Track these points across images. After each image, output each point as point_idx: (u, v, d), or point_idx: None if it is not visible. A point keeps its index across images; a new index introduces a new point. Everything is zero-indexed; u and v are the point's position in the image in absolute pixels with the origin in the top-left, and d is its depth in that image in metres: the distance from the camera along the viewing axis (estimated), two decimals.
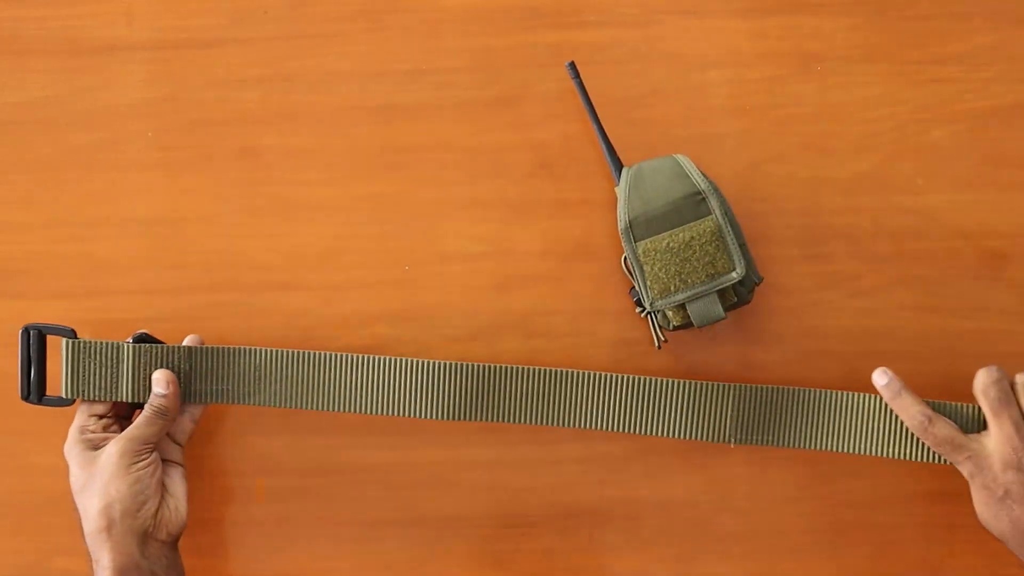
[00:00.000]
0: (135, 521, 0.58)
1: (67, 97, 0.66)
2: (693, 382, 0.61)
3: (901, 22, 0.65)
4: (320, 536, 0.65)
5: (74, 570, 0.65)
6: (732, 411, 0.61)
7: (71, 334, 0.62)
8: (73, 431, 0.61)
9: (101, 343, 0.61)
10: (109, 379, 0.61)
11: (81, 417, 0.62)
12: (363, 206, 0.65)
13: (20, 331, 0.62)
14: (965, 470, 0.58)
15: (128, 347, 0.61)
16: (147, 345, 0.61)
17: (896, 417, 0.60)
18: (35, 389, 0.62)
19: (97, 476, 0.58)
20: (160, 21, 0.66)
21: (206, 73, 0.65)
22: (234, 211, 0.65)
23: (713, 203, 0.58)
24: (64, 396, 0.62)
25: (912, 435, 0.60)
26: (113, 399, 0.62)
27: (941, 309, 0.64)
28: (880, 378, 0.60)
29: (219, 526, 0.65)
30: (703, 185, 0.58)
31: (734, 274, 0.58)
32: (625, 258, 0.60)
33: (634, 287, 0.60)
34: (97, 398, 0.62)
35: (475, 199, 0.65)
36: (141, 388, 0.61)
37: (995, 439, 0.57)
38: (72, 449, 0.60)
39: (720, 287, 0.58)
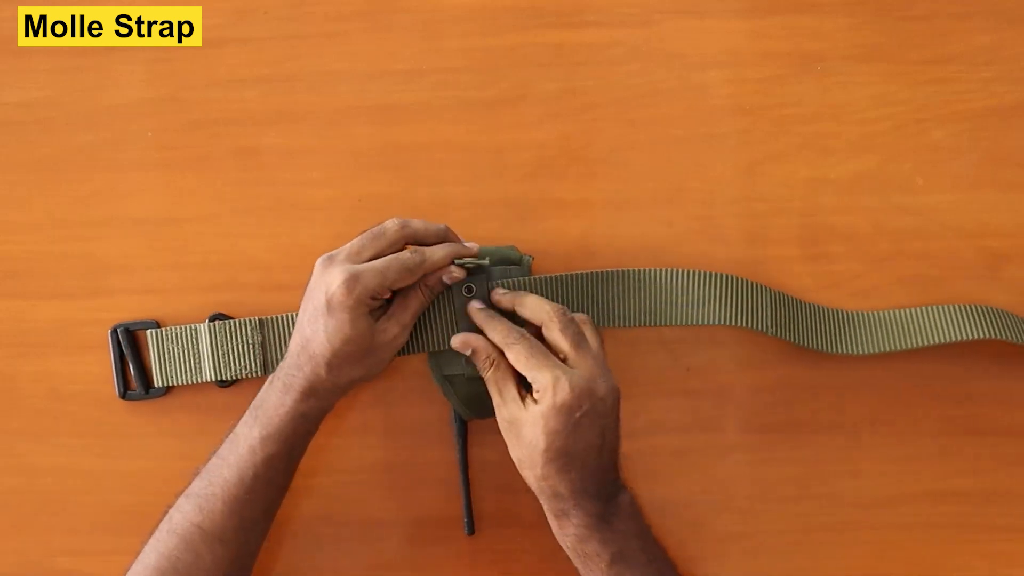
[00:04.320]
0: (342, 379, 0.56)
1: (67, 97, 0.66)
2: (731, 276, 0.62)
3: (901, 22, 0.65)
4: (320, 536, 0.65)
5: (74, 570, 0.65)
6: (769, 305, 0.62)
7: (155, 326, 0.64)
8: (361, 292, 0.55)
9: (180, 327, 0.64)
10: (192, 361, 0.64)
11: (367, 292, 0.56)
12: (363, 206, 0.65)
13: (108, 332, 0.64)
14: (546, 378, 0.54)
15: (204, 327, 0.63)
16: (220, 322, 0.63)
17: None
18: (139, 383, 0.65)
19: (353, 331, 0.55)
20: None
21: (206, 73, 0.65)
22: (234, 211, 0.65)
23: None
24: (157, 385, 0.64)
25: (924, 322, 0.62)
26: (197, 380, 0.64)
27: None
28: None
29: None
30: None
31: None
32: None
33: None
34: (183, 381, 0.64)
35: (475, 199, 0.65)
36: (220, 365, 0.63)
37: (584, 367, 0.56)
38: (355, 305, 0.55)
39: None
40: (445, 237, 0.59)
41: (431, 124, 0.65)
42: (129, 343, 0.65)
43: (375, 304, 0.57)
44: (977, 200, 0.64)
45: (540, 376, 0.55)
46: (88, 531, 0.65)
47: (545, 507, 0.57)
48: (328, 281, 0.55)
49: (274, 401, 0.56)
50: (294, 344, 0.57)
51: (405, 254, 0.57)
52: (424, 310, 0.60)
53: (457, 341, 0.59)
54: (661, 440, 0.64)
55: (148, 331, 0.64)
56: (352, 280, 0.55)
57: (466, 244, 0.60)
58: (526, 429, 0.55)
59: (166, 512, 0.56)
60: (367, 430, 0.65)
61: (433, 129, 0.65)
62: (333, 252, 0.57)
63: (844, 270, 0.64)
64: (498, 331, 0.58)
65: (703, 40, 0.65)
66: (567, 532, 0.57)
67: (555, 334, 0.57)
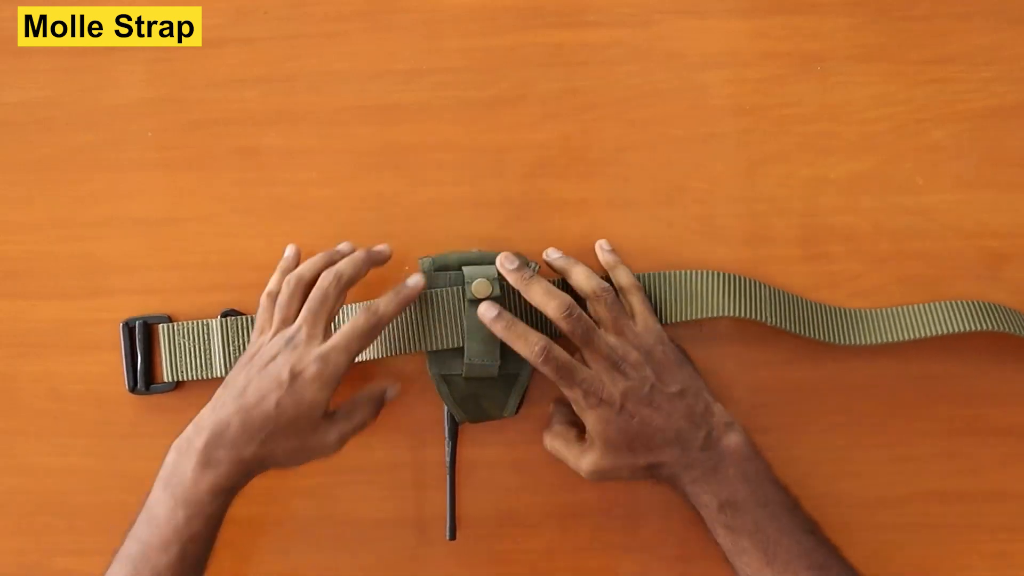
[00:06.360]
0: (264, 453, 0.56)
1: (67, 97, 0.66)
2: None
3: (901, 22, 0.65)
4: (320, 536, 0.65)
5: (74, 570, 0.65)
6: (770, 299, 0.62)
7: (167, 320, 0.64)
8: (331, 372, 0.56)
9: (192, 323, 0.64)
10: (203, 356, 0.64)
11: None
12: (363, 206, 0.65)
13: (120, 325, 0.64)
14: (578, 394, 0.57)
15: (216, 323, 0.63)
16: (233, 317, 0.63)
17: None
18: (142, 379, 0.64)
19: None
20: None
21: (206, 73, 0.65)
22: (234, 211, 0.65)
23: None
24: (167, 380, 0.64)
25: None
26: (207, 375, 0.64)
27: None
28: (488, 310, 0.59)
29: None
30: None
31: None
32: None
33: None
34: (194, 376, 0.64)
35: (475, 199, 0.65)
36: (232, 360, 0.63)
37: (593, 361, 0.57)
38: (322, 387, 0.56)
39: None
40: (372, 260, 0.61)
41: (431, 124, 0.65)
42: (143, 337, 0.64)
43: (333, 390, 0.57)
44: (977, 200, 0.64)
45: (570, 392, 0.58)
46: (88, 531, 0.65)
47: (666, 484, 0.59)
48: (294, 361, 0.56)
49: (191, 478, 0.54)
50: (222, 415, 0.55)
51: (360, 319, 0.57)
52: (367, 426, 0.60)
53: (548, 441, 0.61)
54: None
55: (160, 325, 0.64)
56: (323, 362, 0.56)
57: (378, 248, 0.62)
58: (590, 456, 0.58)
59: None
60: (367, 430, 0.65)
61: (433, 129, 0.65)
62: (287, 332, 0.58)
63: (844, 270, 0.64)
64: (520, 346, 0.58)
65: (703, 40, 0.65)
66: (682, 489, 0.58)
67: (566, 332, 0.58)
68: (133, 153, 0.66)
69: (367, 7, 0.65)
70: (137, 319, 0.64)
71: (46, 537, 0.65)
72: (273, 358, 0.57)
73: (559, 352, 0.57)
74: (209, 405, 0.57)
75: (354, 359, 0.57)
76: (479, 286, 0.60)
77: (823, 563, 0.56)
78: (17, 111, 0.66)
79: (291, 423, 0.55)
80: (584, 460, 0.58)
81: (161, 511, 0.54)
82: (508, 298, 0.61)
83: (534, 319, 0.61)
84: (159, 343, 0.64)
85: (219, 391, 0.58)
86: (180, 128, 0.65)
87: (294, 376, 0.56)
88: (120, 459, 0.65)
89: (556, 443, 0.61)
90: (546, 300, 0.58)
